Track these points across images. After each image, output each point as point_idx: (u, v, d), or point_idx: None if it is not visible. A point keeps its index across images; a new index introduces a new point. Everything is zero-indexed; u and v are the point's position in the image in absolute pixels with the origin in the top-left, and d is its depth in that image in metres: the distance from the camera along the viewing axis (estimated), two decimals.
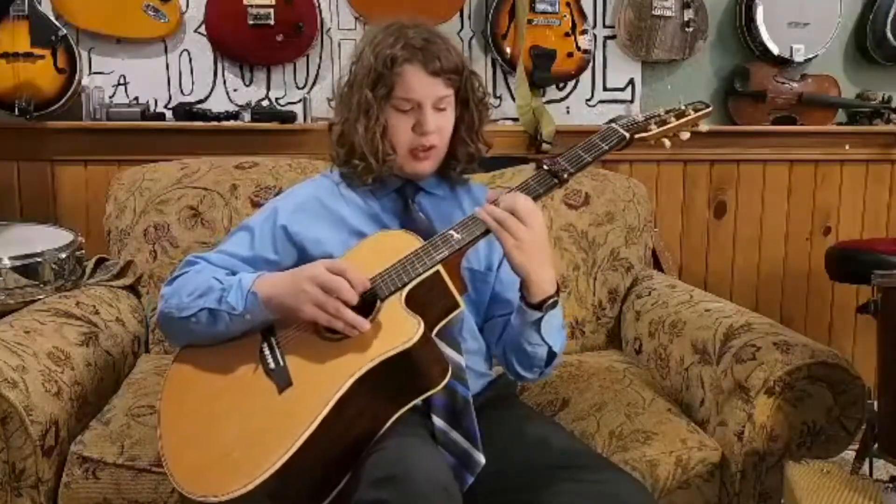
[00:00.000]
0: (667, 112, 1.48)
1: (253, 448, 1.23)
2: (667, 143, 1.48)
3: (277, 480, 1.19)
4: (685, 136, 1.49)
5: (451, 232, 1.36)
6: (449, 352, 1.40)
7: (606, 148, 1.41)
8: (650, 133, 1.45)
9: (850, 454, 1.71)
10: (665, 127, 1.46)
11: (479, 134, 1.56)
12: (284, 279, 1.36)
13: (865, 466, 1.66)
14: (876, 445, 1.57)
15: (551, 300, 1.38)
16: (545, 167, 1.39)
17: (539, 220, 1.34)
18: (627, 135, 1.43)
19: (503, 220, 1.32)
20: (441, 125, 1.50)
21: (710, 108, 1.51)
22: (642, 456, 1.60)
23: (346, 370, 1.25)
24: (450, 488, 1.20)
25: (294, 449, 1.19)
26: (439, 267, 1.33)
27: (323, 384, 1.25)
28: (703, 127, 1.51)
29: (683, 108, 1.49)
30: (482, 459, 1.35)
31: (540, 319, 1.40)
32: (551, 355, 1.46)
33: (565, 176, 1.38)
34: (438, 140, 1.50)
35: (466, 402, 1.40)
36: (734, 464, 1.62)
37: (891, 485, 1.50)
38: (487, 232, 1.36)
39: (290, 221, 1.53)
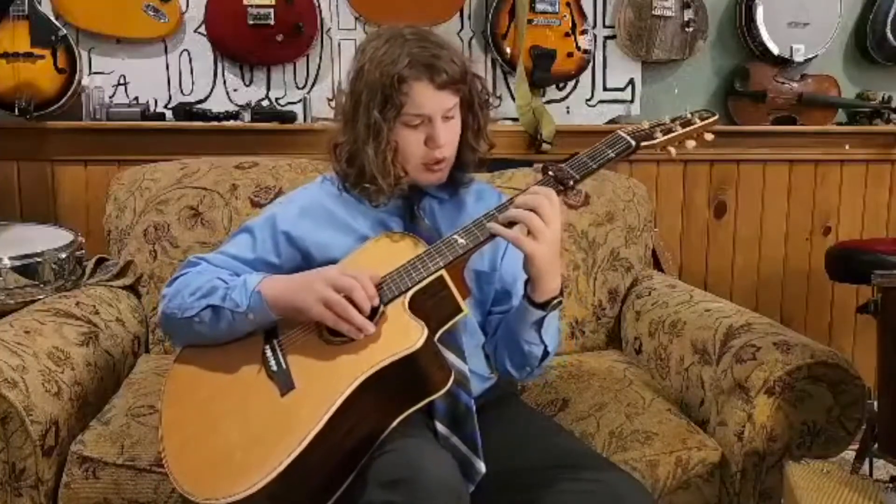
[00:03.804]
0: (672, 120, 1.48)
1: (255, 451, 1.23)
2: (672, 151, 1.48)
3: (280, 483, 1.18)
4: (691, 144, 1.49)
5: (456, 237, 1.35)
6: (452, 358, 1.39)
7: (613, 155, 1.41)
8: (656, 141, 1.45)
9: (850, 454, 1.71)
10: (670, 135, 1.46)
11: (484, 136, 1.55)
12: (293, 279, 1.36)
13: (865, 466, 1.66)
14: (876, 445, 1.58)
15: (556, 300, 1.38)
16: (551, 173, 1.39)
17: (559, 221, 1.34)
18: (634, 143, 1.43)
19: (528, 219, 1.31)
20: (451, 135, 1.48)
21: (716, 117, 1.51)
22: (642, 456, 1.60)
23: (350, 374, 1.25)
24: (459, 490, 1.20)
25: (297, 452, 1.19)
26: (443, 272, 1.32)
27: (326, 387, 1.25)
28: (709, 136, 1.50)
29: (689, 116, 1.49)
30: (482, 468, 1.35)
31: (542, 319, 1.40)
32: (545, 355, 1.46)
33: (571, 183, 1.37)
34: (450, 151, 1.49)
35: (468, 410, 1.40)
36: (734, 464, 1.61)
37: (891, 485, 1.50)
38: (492, 238, 1.35)
39: (292, 227, 1.52)
